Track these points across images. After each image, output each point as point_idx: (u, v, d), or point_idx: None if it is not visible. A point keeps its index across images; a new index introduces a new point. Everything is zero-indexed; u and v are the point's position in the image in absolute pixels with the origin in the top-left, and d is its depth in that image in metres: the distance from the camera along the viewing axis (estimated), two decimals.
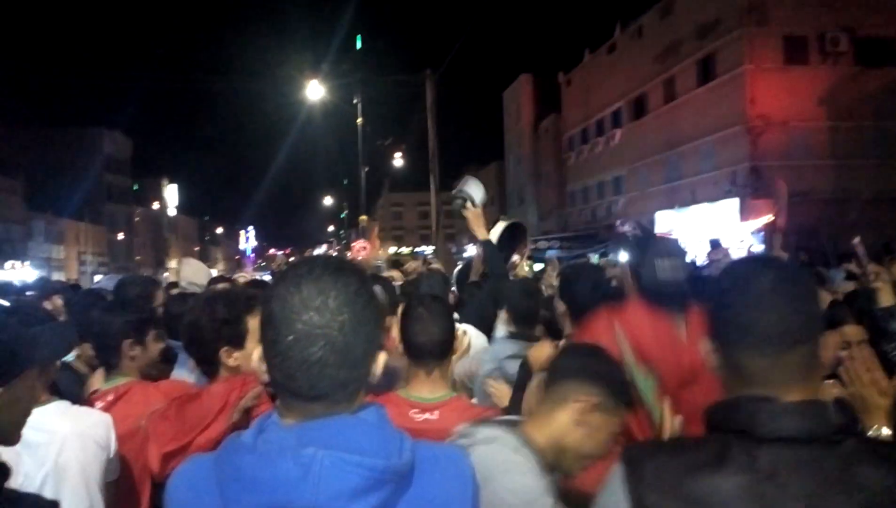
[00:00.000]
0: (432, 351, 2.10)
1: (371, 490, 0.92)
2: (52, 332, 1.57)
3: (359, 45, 27.48)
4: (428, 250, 45.16)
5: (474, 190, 4.40)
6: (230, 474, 0.96)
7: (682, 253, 2.31)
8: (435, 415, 2.03)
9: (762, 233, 20.00)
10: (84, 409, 1.98)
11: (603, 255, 24.02)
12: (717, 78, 24.37)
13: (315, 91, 21.57)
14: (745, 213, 21.50)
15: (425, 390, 2.09)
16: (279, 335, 0.97)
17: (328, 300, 0.97)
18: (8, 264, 37.95)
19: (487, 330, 3.64)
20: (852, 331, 2.62)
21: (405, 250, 66.96)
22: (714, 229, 16.25)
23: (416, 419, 2.02)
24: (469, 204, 4.27)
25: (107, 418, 1.95)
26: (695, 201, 24.75)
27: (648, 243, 2.51)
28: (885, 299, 3.01)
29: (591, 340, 2.21)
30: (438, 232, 20.04)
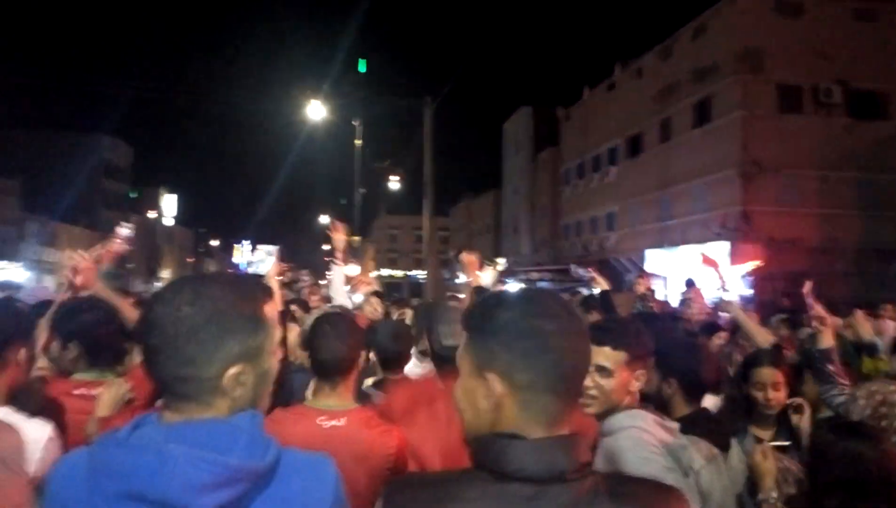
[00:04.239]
0: (337, 367, 2.19)
1: (222, 486, 1.00)
2: None
3: (362, 68, 27.88)
4: (421, 274, 45.05)
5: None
6: (99, 465, 1.03)
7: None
8: (342, 421, 2.13)
9: (751, 278, 20.24)
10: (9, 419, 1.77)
11: None
12: (712, 121, 24.73)
13: (316, 111, 21.82)
14: (735, 256, 21.73)
15: (331, 401, 2.19)
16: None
17: (175, 297, 1.06)
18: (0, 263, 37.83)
19: None
20: (767, 373, 2.87)
21: (399, 272, 66.99)
22: (701, 271, 16.38)
23: (324, 425, 2.11)
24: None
25: (25, 432, 1.73)
26: (685, 241, 24.95)
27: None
28: (825, 342, 3.16)
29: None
30: (430, 258, 20.20)
